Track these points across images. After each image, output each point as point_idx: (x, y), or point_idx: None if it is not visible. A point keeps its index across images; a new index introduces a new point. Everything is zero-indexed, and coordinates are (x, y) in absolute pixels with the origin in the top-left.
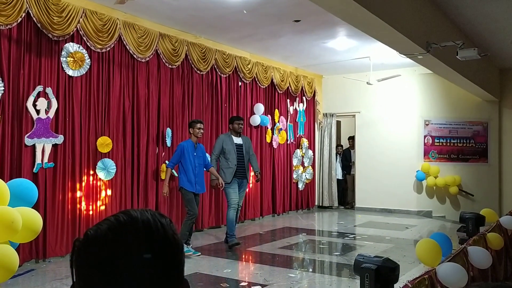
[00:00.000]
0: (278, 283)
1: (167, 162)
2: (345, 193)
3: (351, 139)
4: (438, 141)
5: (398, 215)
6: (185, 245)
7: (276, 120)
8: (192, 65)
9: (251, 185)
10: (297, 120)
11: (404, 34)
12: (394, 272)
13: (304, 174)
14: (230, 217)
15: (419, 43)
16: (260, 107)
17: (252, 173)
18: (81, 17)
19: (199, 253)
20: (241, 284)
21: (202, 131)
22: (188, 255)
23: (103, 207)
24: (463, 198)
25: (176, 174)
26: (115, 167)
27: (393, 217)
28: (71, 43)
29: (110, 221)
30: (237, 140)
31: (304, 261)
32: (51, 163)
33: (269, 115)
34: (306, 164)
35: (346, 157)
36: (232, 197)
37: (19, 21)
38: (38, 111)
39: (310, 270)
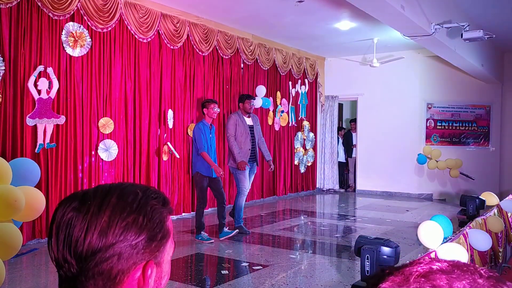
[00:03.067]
0: (279, 264)
1: (169, 143)
2: (347, 176)
3: (353, 121)
4: (440, 124)
5: (399, 198)
6: (200, 233)
7: (278, 103)
8: (194, 46)
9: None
10: (299, 103)
11: (409, 15)
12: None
13: (305, 156)
14: (240, 203)
15: (424, 24)
16: (262, 89)
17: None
18: None
19: (212, 240)
20: (242, 264)
21: (218, 111)
22: (202, 242)
23: None
24: (464, 182)
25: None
26: (116, 148)
27: (394, 200)
28: (71, 22)
29: (108, 184)
30: (248, 121)
31: (305, 243)
32: (53, 143)
33: (271, 97)
34: (307, 147)
35: (348, 140)
36: (244, 184)
37: None
38: (39, 91)
39: (311, 251)
